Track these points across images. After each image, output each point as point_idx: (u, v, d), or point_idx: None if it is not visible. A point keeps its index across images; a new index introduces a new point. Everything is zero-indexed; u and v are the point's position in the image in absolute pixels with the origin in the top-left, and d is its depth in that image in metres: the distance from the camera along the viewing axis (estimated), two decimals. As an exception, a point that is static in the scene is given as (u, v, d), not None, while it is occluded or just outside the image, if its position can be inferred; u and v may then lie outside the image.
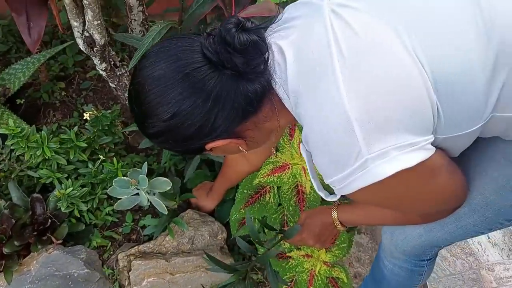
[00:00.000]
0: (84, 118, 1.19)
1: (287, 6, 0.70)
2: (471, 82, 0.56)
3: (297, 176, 1.10)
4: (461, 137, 0.62)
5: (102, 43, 1.08)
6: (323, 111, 0.58)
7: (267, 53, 0.62)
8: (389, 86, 0.55)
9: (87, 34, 1.06)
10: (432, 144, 0.59)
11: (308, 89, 0.60)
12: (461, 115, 0.59)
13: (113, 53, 1.20)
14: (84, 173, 1.23)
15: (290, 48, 0.62)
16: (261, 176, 1.09)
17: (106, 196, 1.26)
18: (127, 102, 1.32)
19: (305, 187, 1.10)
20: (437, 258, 0.99)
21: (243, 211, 1.14)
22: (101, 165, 1.23)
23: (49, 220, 1.17)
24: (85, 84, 1.53)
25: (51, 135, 1.22)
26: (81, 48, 1.10)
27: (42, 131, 1.17)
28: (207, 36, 0.62)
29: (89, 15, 1.01)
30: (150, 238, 1.29)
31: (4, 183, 1.26)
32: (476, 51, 0.56)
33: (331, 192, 0.70)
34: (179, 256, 1.22)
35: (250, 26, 0.61)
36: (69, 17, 1.04)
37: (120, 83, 1.24)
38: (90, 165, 1.23)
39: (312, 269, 1.11)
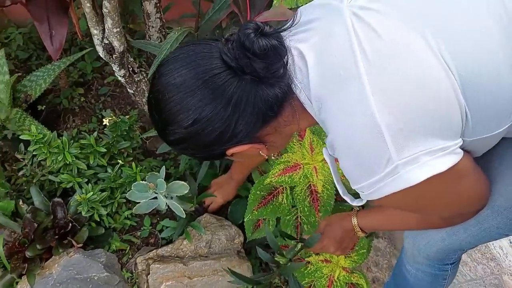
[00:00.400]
0: (104, 123, 1.22)
1: (299, 9, 0.68)
2: (498, 83, 0.56)
3: (308, 176, 1.08)
4: (488, 139, 0.61)
5: (121, 50, 1.10)
6: (349, 116, 0.57)
7: (286, 57, 0.62)
8: (416, 89, 0.54)
9: (106, 42, 1.08)
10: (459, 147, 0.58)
11: (332, 93, 0.59)
12: (489, 116, 0.58)
13: (131, 59, 1.22)
14: (104, 177, 1.25)
15: (310, 52, 0.61)
16: (272, 175, 1.09)
17: (124, 200, 1.28)
18: (145, 108, 1.35)
19: (317, 187, 1.09)
20: (458, 262, 0.98)
21: (256, 212, 1.14)
22: (120, 170, 1.25)
23: (70, 224, 1.19)
24: (103, 90, 1.56)
25: (72, 141, 1.24)
26: (101, 55, 1.12)
27: (63, 137, 1.20)
28: (225, 42, 0.61)
29: (108, 23, 1.03)
30: (168, 242, 1.30)
31: (26, 188, 1.28)
32: (502, 52, 0.55)
33: (355, 196, 0.69)
34: (196, 260, 1.22)
35: (269, 31, 0.61)
36: (89, 25, 1.06)
37: (138, 89, 1.26)
38: (109, 170, 1.25)
39: (331, 274, 1.10)
